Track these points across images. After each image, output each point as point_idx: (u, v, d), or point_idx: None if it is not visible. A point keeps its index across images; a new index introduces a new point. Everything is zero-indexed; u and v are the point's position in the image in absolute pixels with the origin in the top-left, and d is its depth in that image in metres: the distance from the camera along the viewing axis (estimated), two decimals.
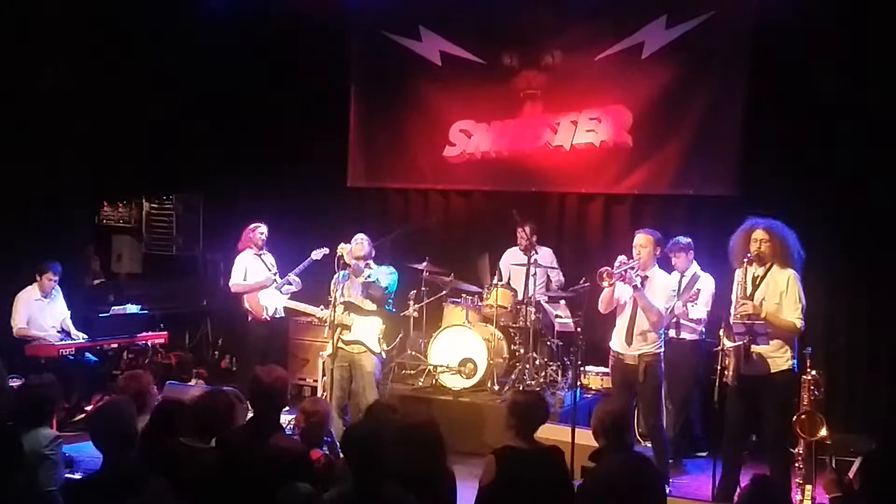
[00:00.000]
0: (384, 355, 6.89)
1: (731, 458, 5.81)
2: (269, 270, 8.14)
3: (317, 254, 7.94)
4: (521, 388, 7.29)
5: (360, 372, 6.79)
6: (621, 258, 6.27)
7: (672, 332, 6.84)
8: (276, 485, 4.01)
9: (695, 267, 7.09)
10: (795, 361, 5.69)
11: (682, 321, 6.90)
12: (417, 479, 3.86)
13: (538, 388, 7.59)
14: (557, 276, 8.37)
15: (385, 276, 6.89)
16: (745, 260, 5.69)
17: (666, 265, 6.73)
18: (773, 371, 5.64)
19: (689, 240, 7.12)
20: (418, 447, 4.04)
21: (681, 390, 7.00)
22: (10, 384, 6.76)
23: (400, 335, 7.03)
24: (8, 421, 4.46)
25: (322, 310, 6.98)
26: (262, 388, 4.42)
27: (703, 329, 6.99)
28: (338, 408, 6.77)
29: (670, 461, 6.66)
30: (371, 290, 6.82)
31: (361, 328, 6.78)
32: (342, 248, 6.80)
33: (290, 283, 8.09)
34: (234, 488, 4.16)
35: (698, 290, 6.85)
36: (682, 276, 7.05)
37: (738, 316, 5.64)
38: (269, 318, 7.98)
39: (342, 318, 6.72)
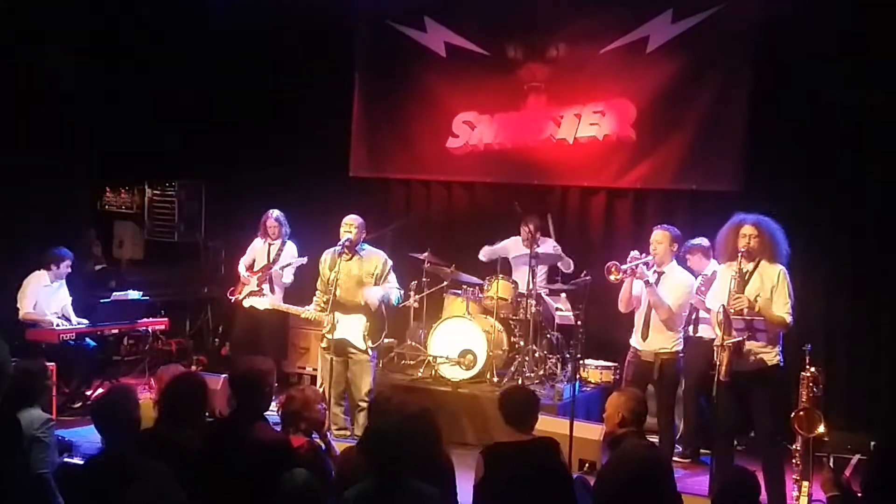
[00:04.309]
0: (370, 352, 6.87)
1: (723, 454, 5.81)
2: (270, 261, 8.19)
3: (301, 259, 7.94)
4: (516, 383, 7.26)
5: (354, 358, 6.81)
6: (633, 253, 6.24)
7: (690, 330, 6.79)
8: (256, 476, 3.94)
9: (713, 265, 6.86)
10: (781, 357, 5.69)
11: (700, 316, 6.79)
12: (419, 467, 3.86)
13: (536, 381, 7.61)
14: (567, 264, 8.28)
15: (392, 286, 6.88)
16: (740, 254, 5.64)
17: (680, 264, 6.64)
18: (763, 367, 5.63)
19: (706, 242, 6.85)
20: (417, 436, 4.04)
21: (698, 386, 6.85)
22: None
23: (385, 331, 6.96)
24: (3, 403, 4.46)
25: (308, 310, 6.97)
26: (240, 377, 4.31)
27: None
28: (336, 396, 6.79)
29: (688, 459, 6.86)
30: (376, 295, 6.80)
31: (346, 327, 6.74)
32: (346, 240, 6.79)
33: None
34: (215, 478, 4.08)
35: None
36: (700, 277, 6.90)
37: (735, 311, 5.63)
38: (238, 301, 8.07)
39: (328, 318, 6.71)
